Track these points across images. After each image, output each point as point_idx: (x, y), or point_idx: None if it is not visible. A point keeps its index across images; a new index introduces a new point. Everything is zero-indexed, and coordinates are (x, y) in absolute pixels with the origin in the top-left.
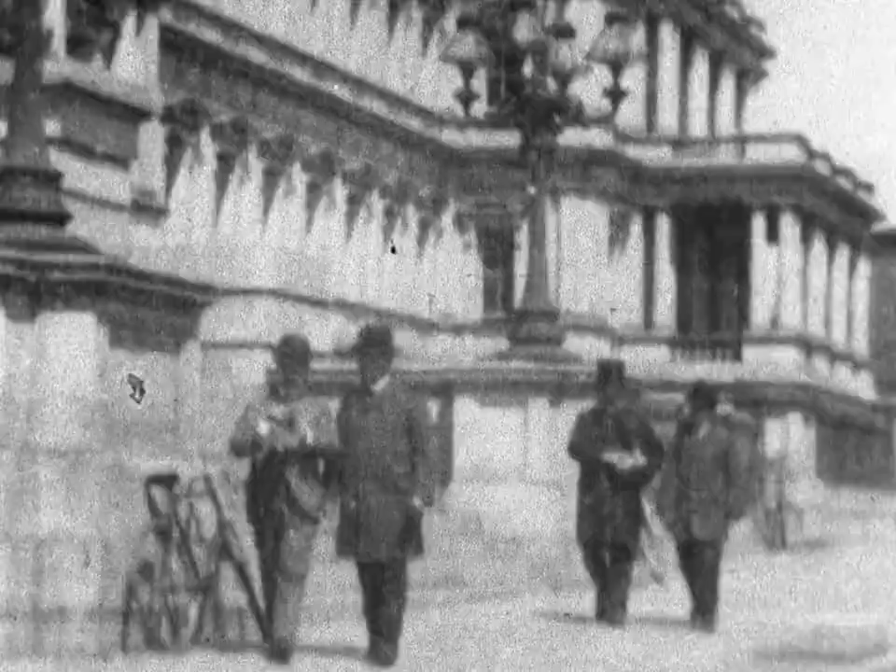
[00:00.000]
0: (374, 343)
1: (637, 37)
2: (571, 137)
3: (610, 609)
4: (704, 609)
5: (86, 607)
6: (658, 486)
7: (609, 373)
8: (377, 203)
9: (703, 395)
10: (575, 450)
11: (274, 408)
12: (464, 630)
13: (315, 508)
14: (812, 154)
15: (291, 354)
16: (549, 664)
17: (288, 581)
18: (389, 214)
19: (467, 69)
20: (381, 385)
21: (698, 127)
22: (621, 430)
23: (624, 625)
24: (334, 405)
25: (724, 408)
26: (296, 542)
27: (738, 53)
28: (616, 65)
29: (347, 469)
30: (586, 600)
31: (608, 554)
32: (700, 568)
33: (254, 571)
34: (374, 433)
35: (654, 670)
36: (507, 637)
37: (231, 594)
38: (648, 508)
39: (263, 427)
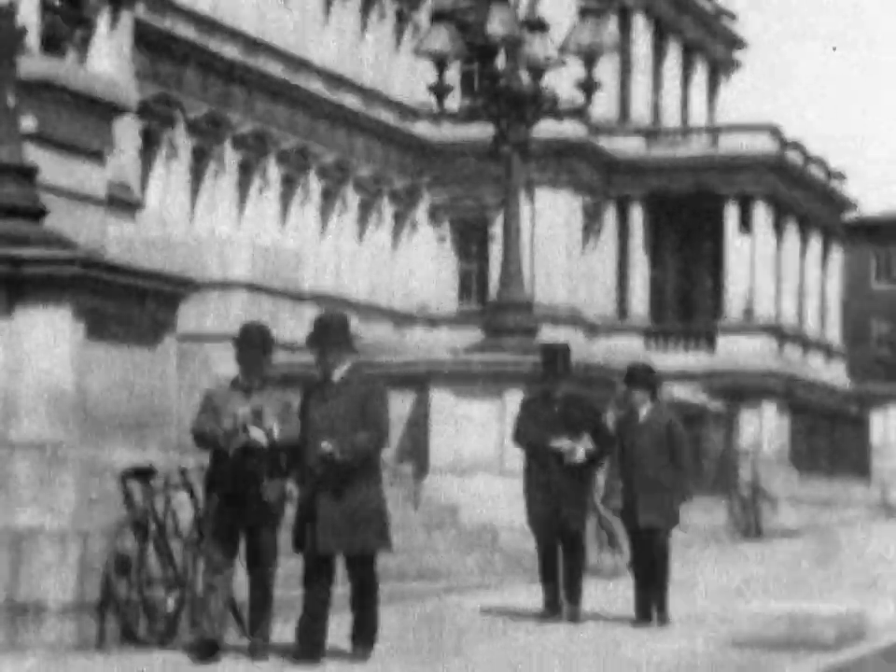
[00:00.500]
0: (331, 332)
1: (610, 29)
2: (545, 129)
3: (569, 604)
4: (656, 599)
5: (62, 601)
6: (606, 473)
7: (555, 357)
8: (352, 195)
9: (640, 376)
10: (520, 437)
11: (238, 403)
12: (440, 622)
13: (278, 503)
14: (785, 144)
15: (252, 344)
16: (528, 657)
17: (263, 577)
18: (364, 207)
19: (440, 62)
20: (339, 373)
21: (671, 118)
22: (568, 416)
23: (581, 620)
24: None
25: (669, 390)
26: (266, 538)
27: (710, 44)
28: (589, 58)
29: (308, 460)
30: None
31: (561, 548)
32: (648, 557)
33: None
34: (335, 422)
35: (629, 661)
36: (482, 630)
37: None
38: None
39: (246, 417)
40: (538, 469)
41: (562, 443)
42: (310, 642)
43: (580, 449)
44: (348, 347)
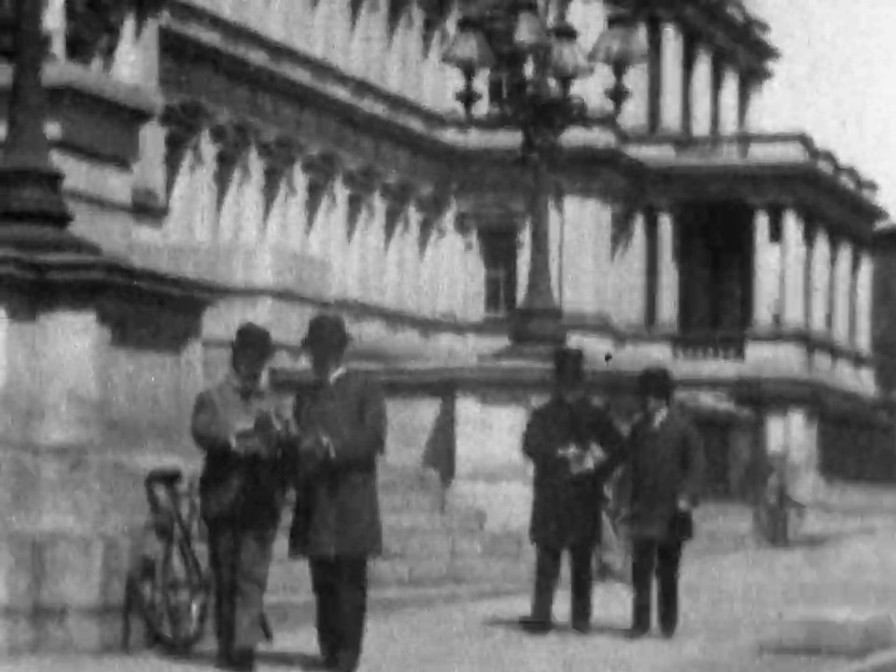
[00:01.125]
0: (325, 334)
1: (639, 38)
2: (573, 137)
3: (575, 616)
4: (664, 613)
5: (87, 604)
6: (617, 482)
7: (565, 363)
8: (378, 203)
9: (654, 381)
10: (529, 447)
11: (238, 407)
12: (463, 627)
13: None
14: (815, 153)
15: (253, 346)
16: (553, 663)
17: (253, 586)
18: (391, 214)
19: (468, 70)
20: (334, 375)
21: (701, 127)
22: (578, 424)
23: (590, 632)
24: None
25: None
26: (265, 544)
27: (741, 54)
28: (618, 66)
29: (303, 462)
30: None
31: (570, 558)
32: (658, 569)
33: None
34: (330, 424)
35: (652, 668)
36: (508, 637)
37: None
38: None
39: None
40: (546, 479)
41: (569, 452)
42: (330, 650)
43: (588, 458)
44: (342, 349)
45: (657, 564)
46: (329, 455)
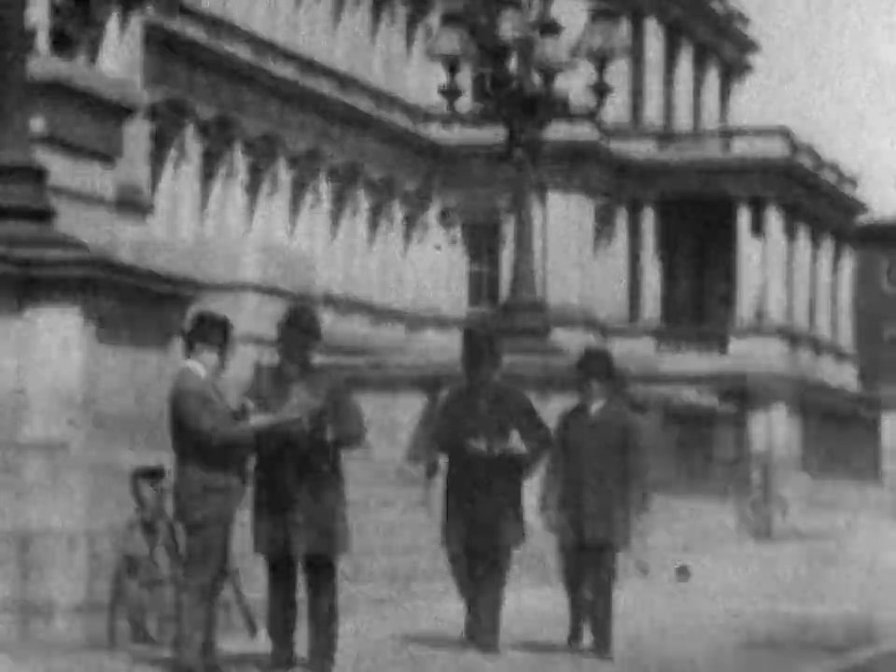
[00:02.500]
0: (299, 326)
1: (622, 32)
2: (556, 132)
3: (480, 632)
4: (597, 629)
5: (72, 601)
6: (543, 479)
7: (479, 345)
8: (363, 198)
9: (596, 364)
10: (438, 439)
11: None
12: (451, 624)
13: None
14: (797, 147)
15: (219, 332)
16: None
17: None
18: (375, 209)
19: (451, 65)
20: (308, 369)
21: (683, 121)
22: (496, 413)
23: (497, 650)
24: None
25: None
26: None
27: (723, 48)
28: (601, 61)
29: (268, 460)
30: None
31: (480, 564)
32: (591, 579)
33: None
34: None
35: (632, 661)
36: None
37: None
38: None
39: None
40: (459, 477)
41: (482, 444)
42: (284, 650)
43: (499, 448)
44: (314, 342)
45: (590, 573)
46: (308, 423)
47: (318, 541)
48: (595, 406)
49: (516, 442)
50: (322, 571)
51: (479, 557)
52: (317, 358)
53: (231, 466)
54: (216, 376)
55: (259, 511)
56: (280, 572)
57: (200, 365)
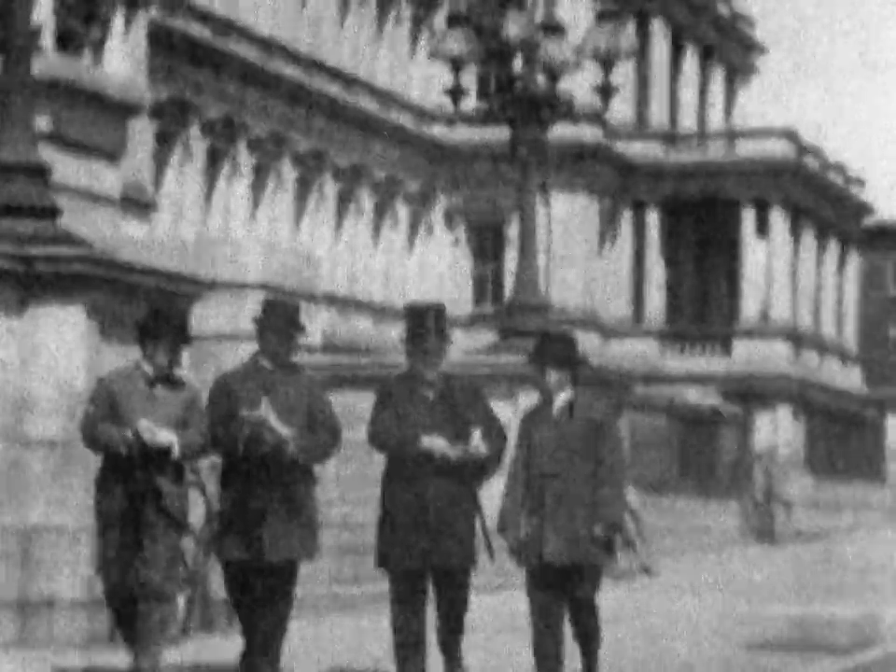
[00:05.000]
0: (278, 319)
1: (628, 33)
2: (561, 133)
3: (447, 662)
4: (584, 663)
5: (74, 597)
6: (505, 489)
7: (424, 322)
8: (367, 198)
9: (555, 349)
10: (378, 436)
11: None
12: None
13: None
14: (802, 149)
15: (173, 324)
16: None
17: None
18: (379, 209)
19: (456, 65)
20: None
21: (688, 122)
22: (445, 406)
23: None
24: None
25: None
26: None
27: (728, 49)
28: (606, 62)
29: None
30: None
31: (431, 583)
32: (566, 608)
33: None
34: (284, 415)
35: (640, 662)
36: (504, 630)
37: (220, 585)
38: (638, 501)
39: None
40: (403, 481)
41: (434, 443)
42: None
43: (457, 450)
44: (297, 337)
45: (566, 595)
46: (291, 454)
47: (293, 547)
48: (560, 399)
49: (477, 443)
50: (287, 578)
51: (426, 582)
52: (299, 356)
53: (117, 470)
54: (168, 373)
55: (230, 515)
56: (243, 579)
57: (149, 364)
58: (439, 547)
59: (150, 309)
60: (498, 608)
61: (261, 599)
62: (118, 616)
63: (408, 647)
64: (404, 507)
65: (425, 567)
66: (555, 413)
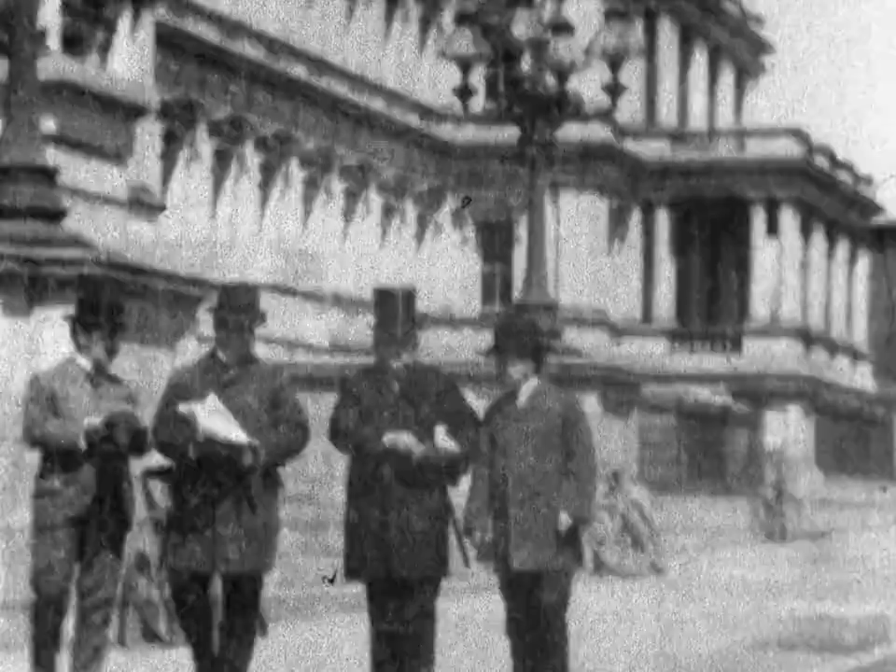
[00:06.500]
0: (235, 306)
1: (636, 32)
2: (570, 131)
3: None
4: None
5: None
6: (470, 489)
7: (392, 307)
8: (375, 198)
9: (518, 337)
10: (339, 434)
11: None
12: (461, 620)
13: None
14: (812, 148)
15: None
16: None
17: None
18: (387, 209)
19: (464, 65)
20: (245, 356)
21: (698, 122)
22: (413, 399)
23: None
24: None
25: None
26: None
27: (737, 48)
28: (615, 61)
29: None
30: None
31: (397, 595)
32: (531, 620)
33: None
34: (247, 418)
35: (652, 659)
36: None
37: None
38: (648, 500)
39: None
40: (366, 483)
41: (399, 439)
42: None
43: (423, 446)
44: (255, 325)
45: (532, 603)
46: (257, 460)
47: (253, 558)
48: (525, 391)
49: (443, 440)
50: (247, 589)
51: (397, 588)
52: (257, 348)
53: (62, 468)
54: (105, 366)
55: (177, 528)
56: (189, 592)
57: (85, 357)
58: (402, 555)
59: (80, 299)
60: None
61: (207, 616)
62: (48, 627)
63: (384, 664)
64: (367, 511)
65: (390, 579)
66: (520, 406)
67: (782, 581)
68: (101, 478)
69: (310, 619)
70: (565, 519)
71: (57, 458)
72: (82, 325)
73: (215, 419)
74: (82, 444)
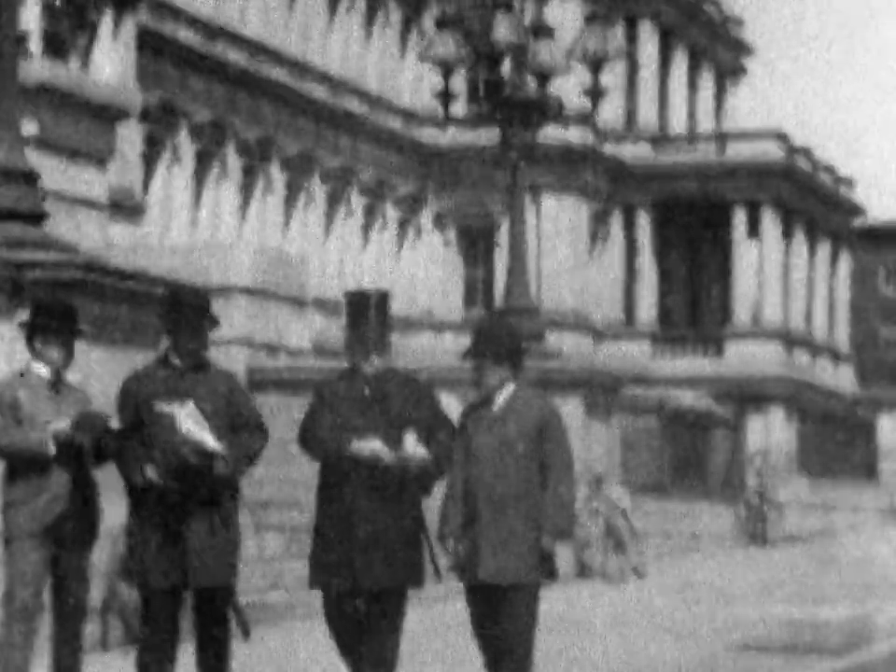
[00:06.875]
0: (187, 308)
1: (616, 36)
2: (551, 135)
3: None
4: None
5: None
6: (444, 496)
7: (365, 310)
8: (356, 201)
9: (495, 343)
10: (307, 440)
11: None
12: (434, 626)
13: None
14: (792, 150)
15: (56, 317)
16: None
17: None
18: (368, 212)
19: (446, 69)
20: (197, 360)
21: (678, 124)
22: (384, 404)
23: None
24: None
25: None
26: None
27: (717, 51)
28: (595, 64)
29: (147, 469)
30: (562, 594)
31: (366, 608)
32: (501, 632)
33: None
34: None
35: (638, 664)
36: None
37: None
38: (630, 503)
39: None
40: (334, 491)
41: (364, 446)
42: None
43: (393, 454)
44: (208, 328)
45: (502, 616)
46: (228, 468)
47: (222, 571)
48: (501, 396)
49: (413, 447)
50: (219, 601)
51: (365, 602)
52: (212, 351)
53: (29, 477)
54: (63, 372)
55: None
56: (159, 606)
57: (42, 364)
58: (369, 567)
59: (34, 304)
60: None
61: (176, 631)
62: (20, 637)
63: (347, 653)
64: (334, 520)
65: (355, 590)
66: (495, 412)
67: (764, 585)
68: (73, 483)
69: (294, 623)
70: (547, 541)
71: (23, 467)
72: (38, 331)
73: (192, 423)
74: (51, 450)
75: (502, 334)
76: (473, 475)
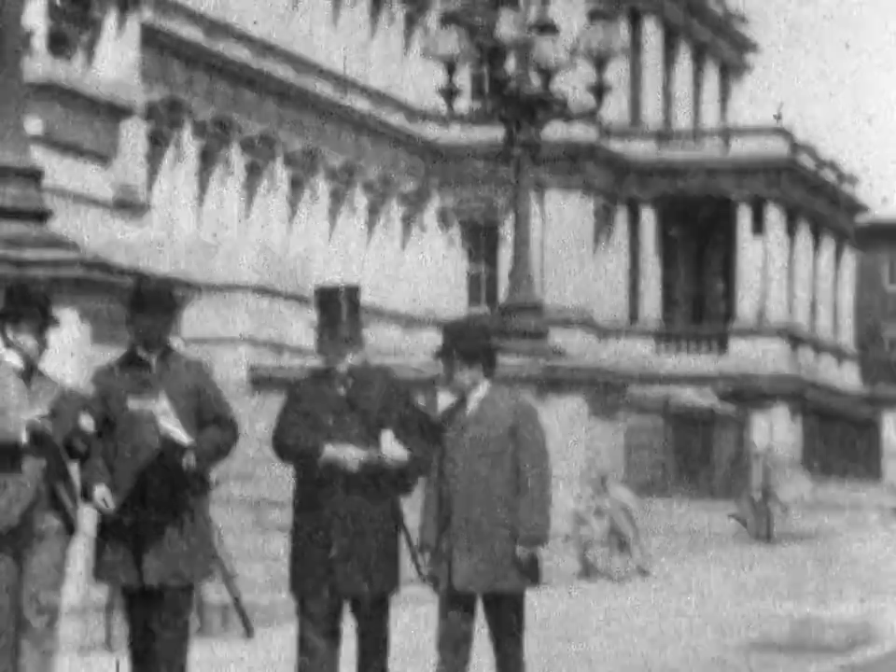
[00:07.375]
0: (152, 300)
1: (620, 32)
2: (555, 132)
3: None
4: None
5: (70, 603)
6: (423, 502)
7: (336, 304)
8: (360, 198)
9: (467, 343)
10: (280, 444)
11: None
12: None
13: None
14: (796, 147)
15: (32, 307)
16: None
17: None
18: (372, 209)
19: (450, 65)
20: (160, 352)
21: (682, 121)
22: (359, 404)
23: None
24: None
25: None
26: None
27: (721, 48)
28: (599, 61)
29: (119, 467)
30: (559, 595)
31: (354, 616)
32: (490, 633)
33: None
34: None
35: (639, 660)
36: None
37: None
38: (634, 502)
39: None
40: (309, 495)
41: (339, 452)
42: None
43: (365, 456)
44: (171, 321)
45: (489, 623)
46: (192, 464)
47: (176, 565)
48: (475, 397)
49: (390, 447)
50: (182, 600)
51: (338, 612)
52: (177, 342)
53: (3, 469)
54: (36, 361)
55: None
56: (136, 605)
57: (14, 353)
58: (348, 572)
59: (7, 293)
60: None
61: (149, 630)
62: None
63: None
64: (311, 527)
65: (334, 596)
66: (468, 414)
67: (768, 583)
68: (46, 474)
69: (294, 623)
70: (521, 550)
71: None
72: (10, 320)
73: (164, 419)
74: (23, 438)
75: (473, 334)
76: (448, 479)
